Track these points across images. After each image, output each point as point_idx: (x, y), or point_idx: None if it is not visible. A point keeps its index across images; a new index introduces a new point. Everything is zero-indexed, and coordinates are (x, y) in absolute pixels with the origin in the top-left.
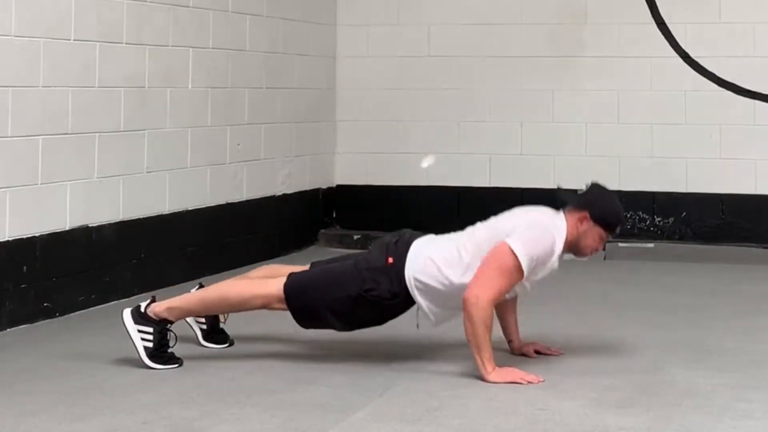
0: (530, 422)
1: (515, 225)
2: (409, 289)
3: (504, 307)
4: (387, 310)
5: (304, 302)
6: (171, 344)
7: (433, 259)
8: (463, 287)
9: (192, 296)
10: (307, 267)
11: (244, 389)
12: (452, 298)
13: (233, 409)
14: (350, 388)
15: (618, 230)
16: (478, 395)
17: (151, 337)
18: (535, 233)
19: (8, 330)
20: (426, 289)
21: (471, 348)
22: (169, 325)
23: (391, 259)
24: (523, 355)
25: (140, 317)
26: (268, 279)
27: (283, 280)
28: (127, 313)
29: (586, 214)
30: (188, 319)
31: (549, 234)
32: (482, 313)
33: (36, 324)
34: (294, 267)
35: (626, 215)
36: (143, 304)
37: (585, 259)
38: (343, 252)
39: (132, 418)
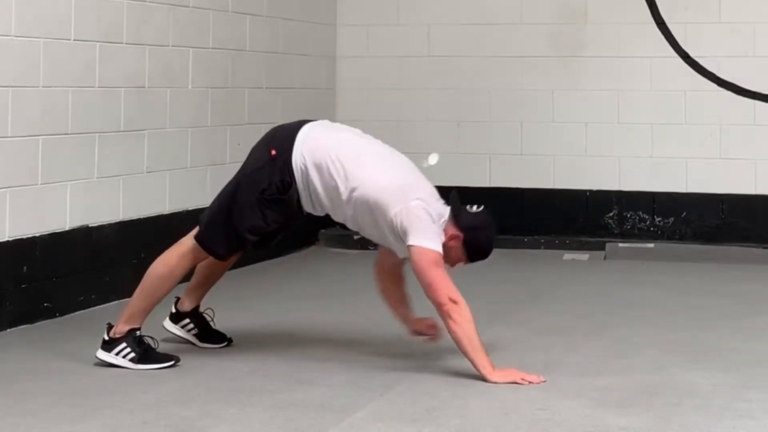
0: (530, 422)
1: (401, 216)
2: (295, 172)
3: (390, 281)
4: (288, 204)
5: (219, 235)
6: (154, 345)
7: (319, 141)
8: (337, 191)
9: (134, 296)
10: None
11: (244, 389)
12: (325, 192)
13: (233, 409)
14: (350, 388)
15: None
16: (478, 395)
17: (128, 348)
18: (423, 222)
19: (8, 330)
20: (307, 172)
21: (466, 353)
22: (137, 332)
23: (274, 151)
24: (420, 333)
25: (109, 344)
26: (178, 242)
27: (194, 232)
28: (99, 353)
29: (462, 236)
30: (179, 333)
31: (430, 218)
32: (465, 310)
33: (36, 324)
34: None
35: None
36: (105, 335)
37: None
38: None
39: (132, 418)
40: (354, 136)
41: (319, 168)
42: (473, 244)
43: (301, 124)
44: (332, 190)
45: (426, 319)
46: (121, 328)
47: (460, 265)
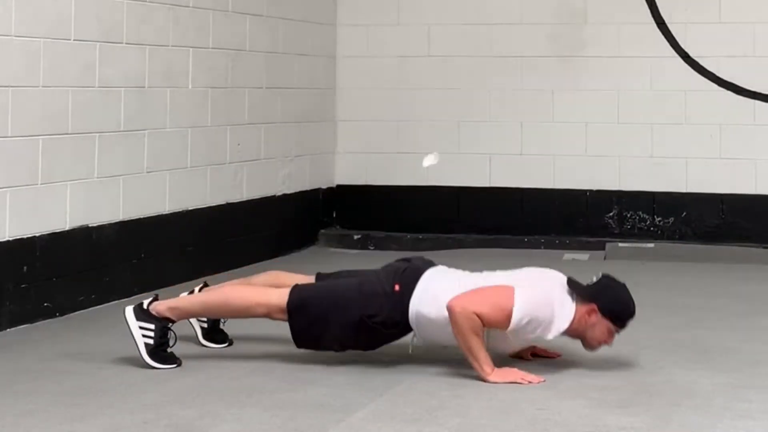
0: (530, 422)
1: (527, 283)
2: (410, 320)
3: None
4: (385, 337)
5: (305, 318)
6: (171, 344)
7: (438, 297)
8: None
9: (195, 298)
10: (311, 278)
11: (244, 389)
12: (444, 332)
13: (233, 409)
14: (350, 388)
15: (628, 324)
16: (478, 395)
17: (152, 333)
18: (541, 301)
19: (8, 330)
20: (427, 323)
21: (466, 355)
22: (170, 324)
23: (398, 287)
24: (520, 357)
25: (142, 314)
26: (272, 288)
27: (287, 291)
28: (129, 310)
29: (595, 306)
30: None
31: (549, 312)
32: (468, 320)
33: (36, 324)
34: (299, 276)
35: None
36: (146, 302)
37: (591, 350)
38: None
39: (132, 418)
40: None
41: (433, 317)
42: (610, 306)
43: (425, 267)
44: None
45: (530, 347)
46: (162, 309)
47: (612, 339)
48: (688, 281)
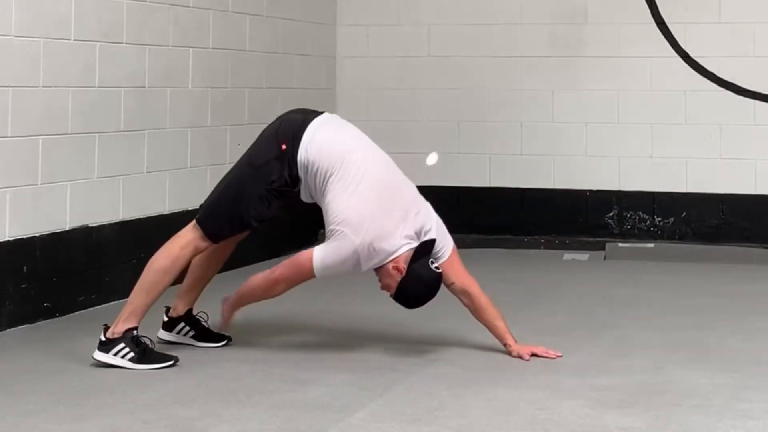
0: (530, 422)
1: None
2: (299, 166)
3: (478, 313)
4: (297, 194)
5: (222, 219)
6: (151, 345)
7: (327, 154)
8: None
9: (133, 292)
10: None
11: (244, 389)
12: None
13: (233, 409)
14: (350, 388)
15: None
16: (478, 395)
17: (127, 348)
18: (343, 254)
19: (8, 330)
20: (312, 171)
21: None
22: (135, 331)
23: (284, 146)
24: (520, 357)
25: (106, 345)
26: (178, 233)
27: (192, 222)
28: (96, 354)
29: (404, 276)
30: (175, 339)
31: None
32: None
33: (36, 324)
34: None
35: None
36: (101, 335)
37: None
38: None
39: (132, 418)
40: (357, 143)
41: (316, 172)
42: (405, 287)
43: (307, 119)
44: (319, 193)
45: (530, 347)
46: (119, 328)
47: (385, 292)
48: (688, 281)
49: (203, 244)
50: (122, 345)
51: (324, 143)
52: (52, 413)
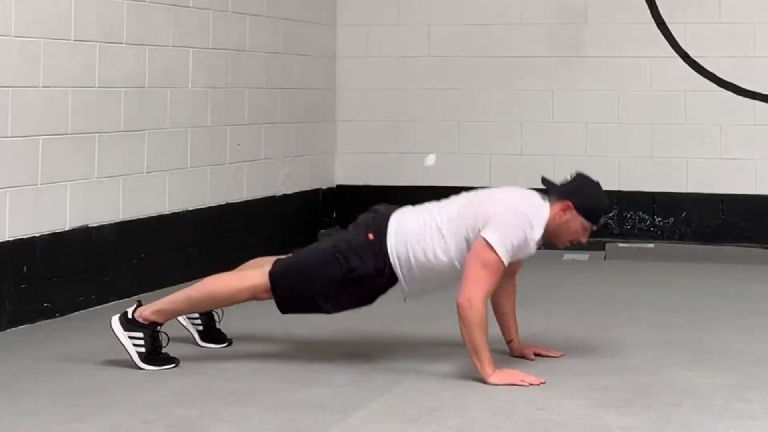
0: (530, 422)
1: (492, 212)
2: (392, 261)
3: (501, 308)
4: (374, 287)
5: (290, 289)
6: (164, 344)
7: (411, 231)
8: (440, 261)
9: (178, 296)
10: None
11: (244, 389)
12: (430, 270)
13: (233, 409)
14: (350, 388)
15: (602, 221)
16: (478, 395)
17: (142, 342)
18: (511, 223)
19: (8, 330)
20: (407, 262)
21: (469, 352)
22: (158, 327)
23: (371, 235)
24: (522, 357)
25: (129, 323)
26: (251, 270)
27: (268, 268)
28: (115, 321)
29: (569, 203)
30: (184, 322)
31: (525, 222)
32: (476, 314)
33: (36, 324)
34: (278, 257)
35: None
36: (130, 310)
37: (562, 246)
38: None
39: (132, 418)
40: (436, 211)
41: (411, 260)
42: (585, 201)
43: (391, 209)
44: (427, 257)
45: (532, 346)
46: (147, 315)
47: (586, 236)
48: (688, 281)
49: (264, 295)
50: (141, 335)
51: (406, 224)
52: (52, 413)
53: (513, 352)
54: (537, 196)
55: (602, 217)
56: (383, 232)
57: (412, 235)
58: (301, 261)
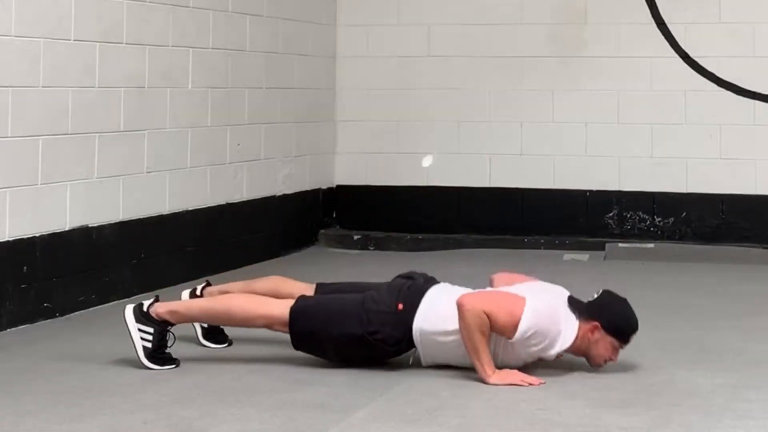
0: (530, 422)
1: (539, 297)
2: (414, 338)
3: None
4: (385, 354)
5: (308, 331)
6: (169, 344)
7: (444, 317)
8: (463, 347)
9: (196, 303)
10: (312, 286)
11: (244, 389)
12: (450, 351)
13: (233, 409)
14: (350, 388)
15: (632, 339)
16: (478, 395)
17: (150, 337)
18: (548, 315)
19: (8, 330)
20: (430, 341)
21: (469, 353)
22: (169, 327)
23: (401, 306)
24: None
25: (142, 316)
26: (273, 300)
27: (289, 303)
28: (129, 310)
29: (598, 324)
30: None
31: (555, 328)
32: (477, 318)
33: (36, 324)
34: (300, 285)
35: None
36: (146, 303)
37: (597, 367)
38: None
39: (132, 418)
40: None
41: (437, 337)
42: (613, 322)
43: (429, 282)
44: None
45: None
46: (162, 312)
47: (617, 355)
48: (688, 281)
49: (278, 328)
50: (152, 330)
51: (439, 306)
52: (52, 413)
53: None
54: (568, 308)
55: (632, 336)
56: (414, 306)
57: (442, 319)
58: (326, 307)
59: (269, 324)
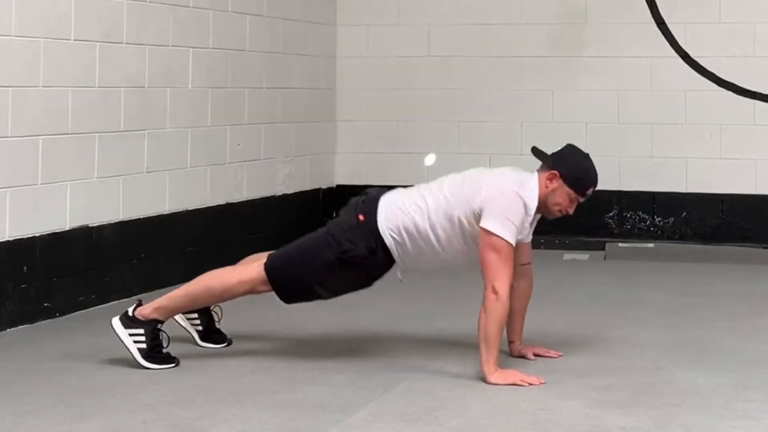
0: (530, 422)
1: (485, 198)
2: (384, 239)
3: (513, 308)
4: (368, 268)
5: (287, 278)
6: (165, 345)
7: (402, 208)
8: (431, 237)
9: (176, 293)
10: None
11: (244, 389)
12: (423, 246)
13: (233, 409)
14: (350, 388)
15: (589, 192)
16: (478, 395)
17: (143, 338)
18: (504, 204)
19: (8, 330)
20: (399, 238)
21: (480, 343)
22: (159, 325)
23: (361, 217)
24: (522, 356)
25: (129, 321)
26: (248, 264)
27: (263, 261)
28: (116, 321)
29: (556, 172)
30: (183, 323)
31: (517, 200)
32: (502, 309)
33: (36, 324)
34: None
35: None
36: (130, 309)
37: (552, 217)
38: None
39: (132, 418)
40: (425, 190)
41: (404, 235)
42: (571, 169)
43: (381, 191)
44: (419, 233)
45: (531, 347)
46: (147, 313)
47: (573, 207)
48: (688, 281)
49: (262, 288)
50: (142, 331)
51: (395, 202)
52: (52, 413)
53: (512, 353)
54: (524, 172)
55: (590, 189)
56: (373, 212)
57: (402, 212)
58: (295, 250)
59: (251, 288)
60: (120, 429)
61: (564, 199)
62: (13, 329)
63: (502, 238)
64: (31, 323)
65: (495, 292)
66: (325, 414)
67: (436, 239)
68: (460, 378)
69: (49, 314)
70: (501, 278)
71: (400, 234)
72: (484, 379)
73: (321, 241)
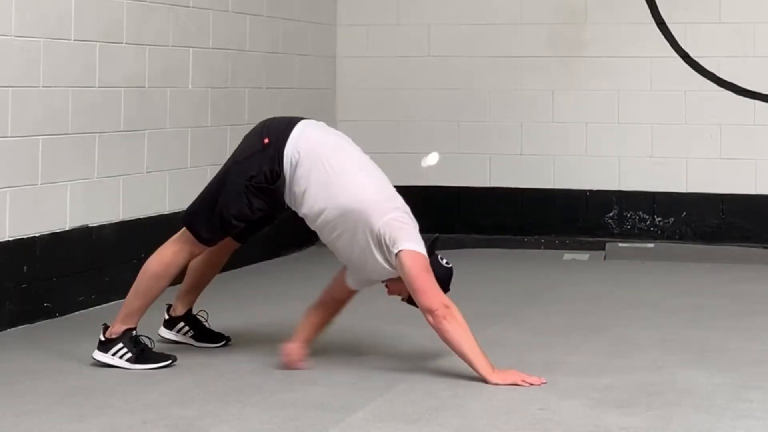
0: (530, 422)
1: (383, 228)
2: (285, 163)
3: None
4: (276, 193)
5: (213, 223)
6: (150, 345)
7: (316, 149)
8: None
9: (129, 295)
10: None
11: (244, 389)
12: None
13: (233, 409)
14: (350, 388)
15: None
16: (478, 395)
17: (125, 348)
18: (409, 228)
19: (8, 330)
20: (299, 168)
21: (465, 357)
22: (134, 331)
23: (266, 140)
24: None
25: (106, 344)
26: (168, 240)
27: (183, 230)
28: (95, 353)
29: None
30: (174, 337)
31: (412, 225)
32: (458, 315)
33: (36, 324)
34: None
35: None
36: (101, 335)
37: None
38: None
39: (132, 418)
40: (346, 143)
41: (308, 166)
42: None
43: (297, 119)
44: (316, 190)
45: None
46: (117, 329)
47: (396, 297)
48: (688, 281)
49: (197, 248)
50: (120, 345)
51: (315, 139)
52: (52, 413)
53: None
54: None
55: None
56: (283, 136)
57: (314, 153)
58: (208, 192)
59: (188, 251)
60: (120, 429)
61: (398, 291)
62: (13, 329)
63: (424, 256)
64: (31, 323)
65: (447, 306)
66: (325, 414)
67: (325, 209)
68: (460, 378)
69: (49, 314)
70: (437, 294)
71: (298, 165)
72: (485, 382)
73: (230, 174)
